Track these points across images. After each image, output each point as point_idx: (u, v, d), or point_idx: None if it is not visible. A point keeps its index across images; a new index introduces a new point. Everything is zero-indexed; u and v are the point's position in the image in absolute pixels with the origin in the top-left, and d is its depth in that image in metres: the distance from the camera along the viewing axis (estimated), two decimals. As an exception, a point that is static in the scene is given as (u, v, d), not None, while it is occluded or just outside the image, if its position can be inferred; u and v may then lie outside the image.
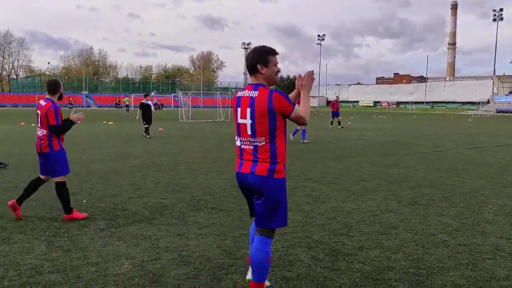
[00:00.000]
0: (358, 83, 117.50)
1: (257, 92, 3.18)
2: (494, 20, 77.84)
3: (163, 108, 69.37)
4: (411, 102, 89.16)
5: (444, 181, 8.40)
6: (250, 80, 3.35)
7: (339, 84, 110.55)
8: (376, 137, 19.03)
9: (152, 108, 18.37)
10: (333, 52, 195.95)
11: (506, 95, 77.99)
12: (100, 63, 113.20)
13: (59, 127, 5.42)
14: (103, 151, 12.70)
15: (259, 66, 3.26)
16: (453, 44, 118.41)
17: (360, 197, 6.96)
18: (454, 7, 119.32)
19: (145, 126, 17.82)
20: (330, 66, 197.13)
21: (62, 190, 5.53)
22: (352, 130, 23.63)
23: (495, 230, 5.21)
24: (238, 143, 3.34)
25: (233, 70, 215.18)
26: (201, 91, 70.58)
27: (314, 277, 3.83)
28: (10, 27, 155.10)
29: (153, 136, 18.17)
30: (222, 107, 38.54)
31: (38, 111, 5.52)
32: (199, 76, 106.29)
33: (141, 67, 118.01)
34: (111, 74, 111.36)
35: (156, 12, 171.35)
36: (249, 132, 3.21)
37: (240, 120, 3.27)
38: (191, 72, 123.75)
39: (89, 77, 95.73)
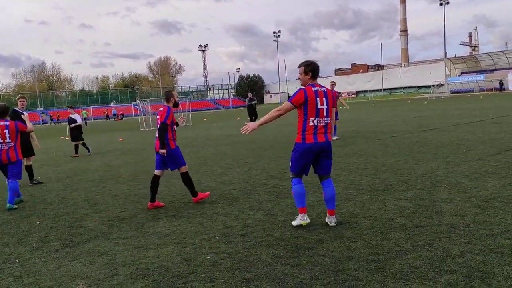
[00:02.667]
0: (318, 76, 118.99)
1: (325, 88, 5.08)
2: (441, 4, 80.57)
3: (123, 118, 68.10)
4: (370, 91, 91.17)
5: (401, 165, 8.59)
6: (307, 80, 5.09)
7: (299, 79, 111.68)
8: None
9: (79, 122, 16.07)
10: (292, 47, 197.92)
11: (458, 75, 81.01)
12: (54, 78, 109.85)
13: (163, 125, 6.37)
14: (58, 168, 12.28)
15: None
16: (405, 31, 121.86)
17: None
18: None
19: (79, 143, 15.70)
20: (289, 61, 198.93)
21: (187, 178, 6.62)
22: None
23: (450, 209, 5.35)
24: (314, 122, 4.91)
25: (192, 73, 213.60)
26: (162, 98, 69.76)
27: (275, 275, 3.80)
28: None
29: (113, 148, 17.75)
30: (182, 111, 38.10)
31: (158, 116, 6.54)
32: (158, 82, 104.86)
33: (97, 78, 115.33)
34: (66, 88, 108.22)
35: (109, 20, 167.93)
36: (324, 114, 4.94)
37: (319, 106, 4.90)
38: (150, 79, 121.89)
39: (44, 92, 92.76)
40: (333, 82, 14.80)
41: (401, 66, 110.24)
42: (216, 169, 9.93)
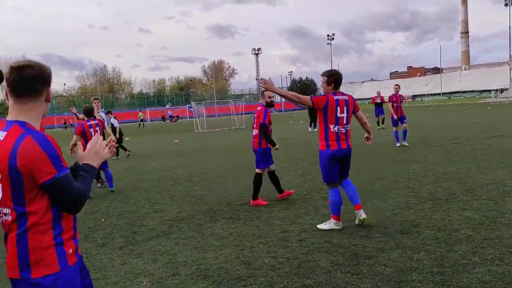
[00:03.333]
0: (372, 80, 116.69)
1: (347, 96, 5.28)
2: (506, 5, 76.38)
3: (178, 120, 69.96)
4: (427, 95, 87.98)
5: (464, 173, 8.20)
6: (329, 90, 5.27)
7: (353, 82, 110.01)
8: (392, 133, 18.75)
9: (116, 125, 15.33)
10: (345, 50, 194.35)
11: (524, 79, 76.31)
12: (115, 80, 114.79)
13: (264, 126, 6.60)
14: (119, 168, 12.80)
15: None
16: (466, 33, 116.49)
17: (379, 196, 6.83)
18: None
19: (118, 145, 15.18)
20: (343, 64, 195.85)
21: (258, 179, 6.77)
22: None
23: (520, 221, 5.04)
24: (335, 130, 5.16)
25: (245, 77, 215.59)
26: (215, 100, 71.03)
27: (335, 283, 3.75)
28: (25, 53, 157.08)
29: (169, 149, 18.28)
30: (236, 114, 38.58)
31: (255, 115, 6.85)
32: (212, 86, 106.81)
33: (154, 81, 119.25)
34: (125, 90, 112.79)
35: (165, 25, 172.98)
36: (344, 122, 5.18)
37: (339, 114, 5.14)
38: (204, 82, 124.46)
39: (105, 95, 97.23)
40: (397, 85, 14.09)
41: (462, 69, 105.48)
42: (271, 172, 9.93)
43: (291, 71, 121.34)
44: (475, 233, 4.77)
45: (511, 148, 11.11)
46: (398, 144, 13.30)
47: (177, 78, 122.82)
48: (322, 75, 5.36)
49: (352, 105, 5.27)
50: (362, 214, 5.27)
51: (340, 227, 5.28)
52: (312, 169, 9.93)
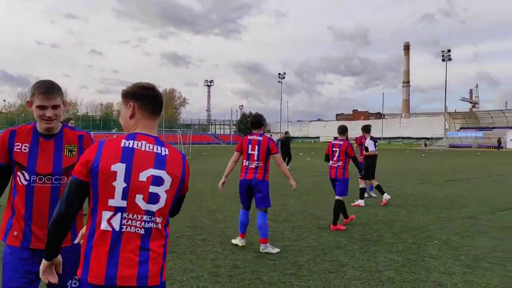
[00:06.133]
0: (319, 120, 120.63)
1: (262, 137, 6.06)
2: (443, 60, 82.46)
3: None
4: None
5: (394, 217, 8.64)
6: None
7: (300, 121, 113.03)
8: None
9: None
10: (296, 89, 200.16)
11: (457, 130, 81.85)
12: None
13: (355, 158, 7.77)
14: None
15: (263, 126, 6.27)
16: (407, 83, 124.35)
17: (313, 235, 7.04)
18: (407, 47, 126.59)
19: None
20: (293, 102, 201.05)
21: (339, 205, 7.47)
22: (312, 166, 23.99)
23: (438, 265, 5.38)
24: (246, 164, 6.07)
25: (196, 107, 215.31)
26: (163, 128, 70.11)
27: (260, 320, 3.81)
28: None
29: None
30: (183, 144, 38.30)
31: (335, 149, 7.69)
32: (161, 114, 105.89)
33: (101, 104, 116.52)
34: (70, 112, 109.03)
35: (120, 49, 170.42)
36: (255, 158, 6.00)
37: (250, 152, 6.02)
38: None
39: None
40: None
41: (402, 117, 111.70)
42: (211, 205, 9.95)
43: (242, 105, 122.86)
44: (397, 274, 5.04)
45: (440, 196, 11.84)
46: (366, 195, 11.16)
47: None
48: None
49: (264, 146, 5.99)
50: (262, 249, 6.00)
51: (242, 244, 6.28)
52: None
